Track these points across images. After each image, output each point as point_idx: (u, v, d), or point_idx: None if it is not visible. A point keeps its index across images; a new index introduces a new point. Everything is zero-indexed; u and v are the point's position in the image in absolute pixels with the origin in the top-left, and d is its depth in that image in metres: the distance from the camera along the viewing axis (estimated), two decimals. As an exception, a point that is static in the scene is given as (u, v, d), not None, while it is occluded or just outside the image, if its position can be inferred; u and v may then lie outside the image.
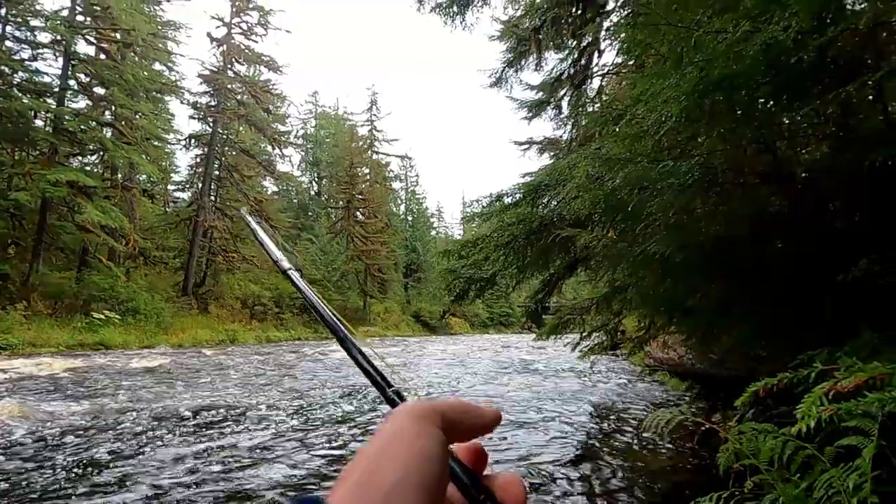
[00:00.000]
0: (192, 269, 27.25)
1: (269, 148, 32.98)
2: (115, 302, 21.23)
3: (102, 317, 19.93)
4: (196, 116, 29.90)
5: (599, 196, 5.14)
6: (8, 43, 21.81)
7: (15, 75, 21.61)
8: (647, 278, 5.61)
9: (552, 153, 14.77)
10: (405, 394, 0.39)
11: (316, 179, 51.09)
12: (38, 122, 22.36)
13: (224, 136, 30.11)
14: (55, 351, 16.18)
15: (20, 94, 21.27)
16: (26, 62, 21.86)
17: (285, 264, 0.57)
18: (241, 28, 30.54)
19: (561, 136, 14.08)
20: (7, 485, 3.85)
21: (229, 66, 30.24)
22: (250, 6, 30.58)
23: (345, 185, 41.91)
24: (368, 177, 44.67)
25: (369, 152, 46.33)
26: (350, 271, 38.80)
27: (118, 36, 22.70)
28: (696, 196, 4.05)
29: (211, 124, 29.56)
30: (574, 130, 13.13)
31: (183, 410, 6.73)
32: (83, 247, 22.09)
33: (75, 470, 4.21)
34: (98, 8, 22.39)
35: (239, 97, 30.28)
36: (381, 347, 20.68)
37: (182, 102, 28.42)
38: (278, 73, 32.04)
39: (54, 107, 21.33)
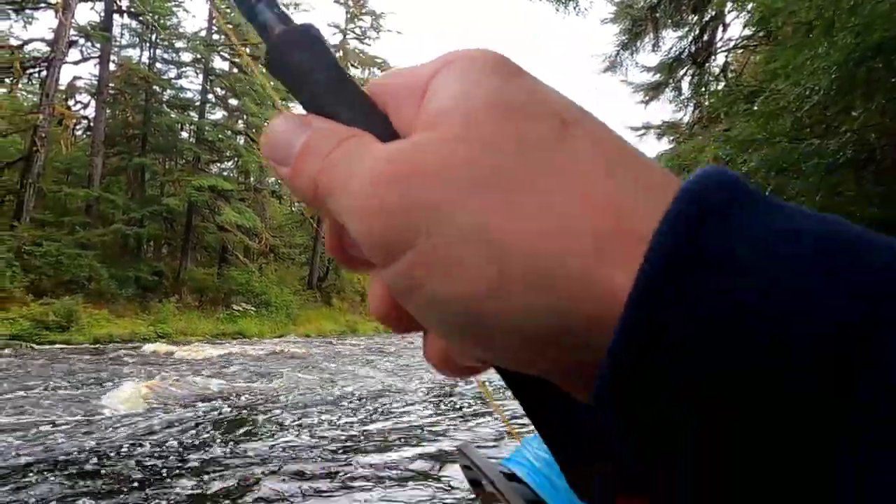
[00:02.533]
0: (315, 265, 29.02)
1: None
2: (251, 295, 23.15)
3: (240, 309, 21.84)
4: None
5: (730, 181, 4.79)
6: (158, 65, 24.52)
7: (164, 93, 24.25)
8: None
9: (672, 137, 13.99)
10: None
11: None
12: (184, 135, 24.93)
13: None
14: (202, 339, 17.98)
15: (169, 110, 23.84)
16: (173, 80, 24.45)
17: None
18: (355, 33, 31.94)
19: (681, 119, 13.28)
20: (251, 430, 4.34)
21: (346, 70, 31.72)
22: (363, 11, 31.86)
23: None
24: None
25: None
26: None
27: (248, 50, 24.64)
28: (847, 177, 3.64)
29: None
30: (696, 112, 12.32)
31: (361, 389, 7.21)
32: (222, 245, 24.31)
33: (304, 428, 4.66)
34: (230, 25, 24.44)
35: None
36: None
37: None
38: (390, 73, 33.06)
39: (196, 119, 23.66)
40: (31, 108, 20.67)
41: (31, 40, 20.57)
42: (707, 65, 10.91)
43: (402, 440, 5.06)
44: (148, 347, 13.80)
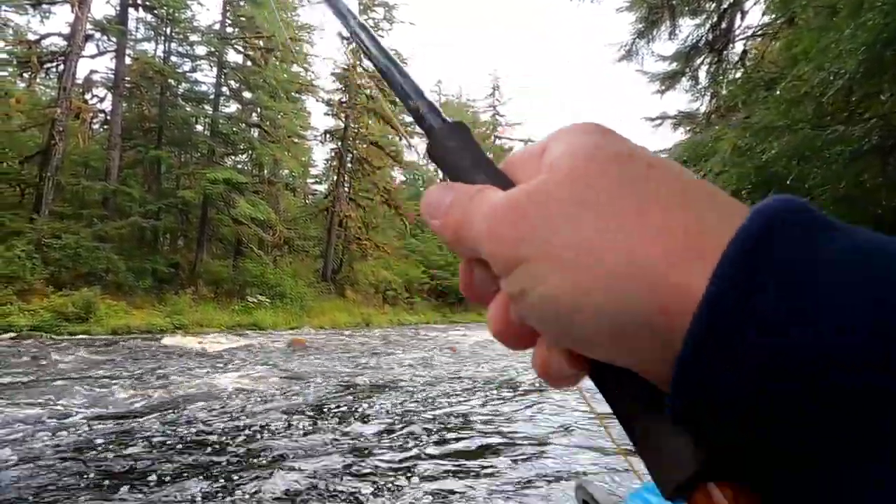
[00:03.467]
0: (329, 257, 29.14)
1: (397, 139, 34.20)
2: (265, 287, 23.31)
3: (255, 300, 22.00)
4: (330, 113, 31.77)
5: (749, 169, 4.68)
6: (173, 58, 24.66)
7: (179, 87, 24.39)
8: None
9: (688, 127, 13.77)
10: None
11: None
12: (199, 128, 25.08)
13: (355, 130, 31.70)
14: (218, 330, 18.14)
15: (183, 104, 23.98)
16: (188, 74, 24.57)
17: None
18: (368, 25, 31.85)
19: (698, 109, 13.08)
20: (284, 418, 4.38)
21: (358, 62, 31.72)
22: (376, 3, 31.76)
23: (469, 172, 42.35)
24: (492, 163, 44.75)
25: (492, 138, 46.39)
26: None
27: (261, 43, 24.69)
28: (872, 164, 3.54)
29: (343, 119, 31.26)
30: (713, 101, 12.12)
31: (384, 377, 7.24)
32: (237, 238, 24.48)
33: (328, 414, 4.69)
34: (243, 18, 24.49)
35: (368, 92, 31.67)
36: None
37: (317, 100, 30.33)
38: (404, 65, 32.93)
39: (211, 112, 23.78)
40: (48, 102, 20.90)
41: (48, 35, 20.75)
42: (725, 53, 10.71)
43: (452, 431, 5.07)
44: (165, 339, 13.97)
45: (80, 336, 14.79)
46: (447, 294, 34.14)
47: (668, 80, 12.14)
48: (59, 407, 5.73)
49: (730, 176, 4.77)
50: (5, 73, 21.65)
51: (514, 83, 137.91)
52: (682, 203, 0.23)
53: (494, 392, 7.36)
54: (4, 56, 20.50)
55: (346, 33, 0.49)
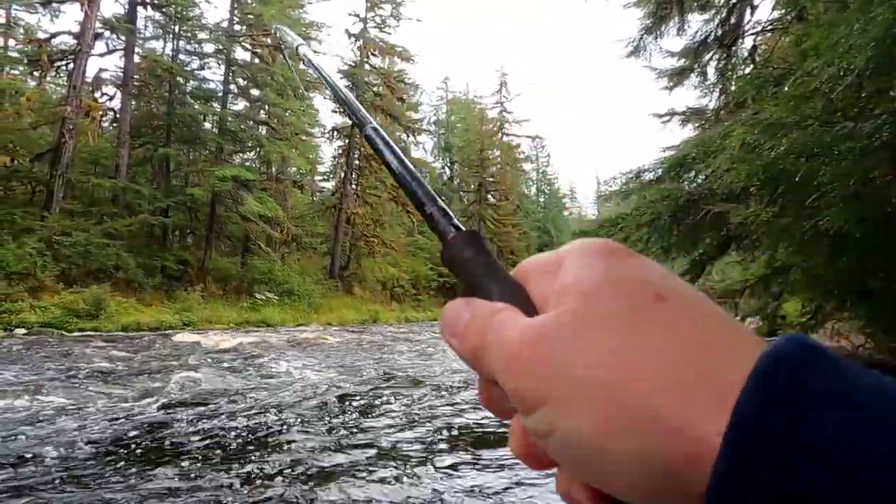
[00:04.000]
0: (337, 254, 29.22)
1: (404, 136, 34.20)
2: (273, 284, 23.42)
3: (263, 297, 22.12)
4: (337, 110, 31.81)
5: (758, 166, 4.65)
6: (181, 56, 24.77)
7: (187, 84, 24.50)
8: (817, 257, 5.01)
9: (697, 124, 13.68)
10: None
11: (448, 164, 52.15)
12: (207, 125, 25.19)
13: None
14: (226, 327, 18.25)
15: (192, 101, 24.09)
16: (196, 71, 24.67)
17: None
18: (375, 22, 31.86)
19: (706, 105, 12.98)
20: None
21: (365, 59, 31.72)
22: (383, 0, 31.74)
23: (476, 169, 42.33)
24: (499, 159, 44.71)
25: (499, 135, 46.31)
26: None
27: (269, 41, 24.74)
28: (881, 161, 3.50)
29: (350, 117, 31.28)
30: (722, 97, 12.02)
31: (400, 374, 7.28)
32: (245, 235, 24.59)
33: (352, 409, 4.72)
34: (251, 16, 24.56)
35: (375, 89, 31.69)
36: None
37: (324, 98, 30.38)
38: (410, 62, 33.01)
39: (219, 110, 23.88)
40: (58, 100, 21.07)
41: (57, 33, 20.90)
42: (734, 48, 10.63)
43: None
44: (174, 335, 14.06)
45: (91, 333, 14.92)
46: (454, 291, 34.14)
47: (677, 77, 12.06)
48: (72, 401, 5.79)
49: (738, 173, 4.74)
50: (16, 72, 21.84)
51: (520, 80, 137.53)
52: (693, 340, 0.23)
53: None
54: (15, 54, 20.68)
55: (360, 132, 0.50)
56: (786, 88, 4.09)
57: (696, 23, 10.98)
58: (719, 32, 10.92)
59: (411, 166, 0.42)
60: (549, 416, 0.25)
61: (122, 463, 3.91)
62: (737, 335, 0.24)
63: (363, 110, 0.51)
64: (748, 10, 10.70)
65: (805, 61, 3.50)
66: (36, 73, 21.24)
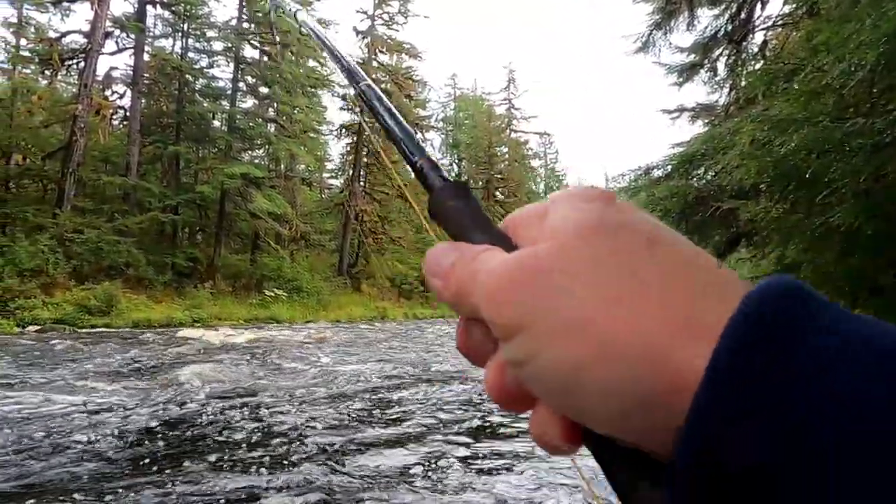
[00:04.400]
0: (345, 251, 29.30)
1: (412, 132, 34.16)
2: (282, 281, 23.53)
3: (272, 294, 22.22)
4: (345, 107, 31.87)
5: (768, 163, 4.62)
6: (190, 54, 24.89)
7: (196, 82, 24.62)
8: (827, 254, 4.97)
9: (706, 120, 13.58)
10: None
11: (456, 161, 52.09)
12: (216, 123, 25.30)
13: (371, 125, 31.76)
14: (237, 324, 18.37)
15: (201, 99, 24.21)
16: (205, 70, 24.78)
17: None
18: (382, 19, 31.85)
19: (716, 101, 12.89)
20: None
21: (373, 56, 31.73)
22: (391, -4, 31.73)
23: (484, 166, 42.30)
24: (507, 156, 44.64)
25: (507, 131, 46.22)
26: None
27: (277, 38, 24.80)
28: (893, 157, 3.47)
29: (358, 114, 31.35)
30: (732, 93, 11.92)
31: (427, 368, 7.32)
32: (254, 232, 24.71)
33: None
34: (259, 14, 24.61)
35: (383, 86, 31.70)
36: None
37: (333, 95, 30.43)
38: (418, 59, 33.01)
39: (228, 108, 23.98)
40: (69, 99, 21.24)
41: (68, 32, 21.06)
42: (744, 44, 10.54)
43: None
44: (184, 332, 14.17)
45: (102, 329, 15.06)
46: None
47: (686, 72, 11.97)
48: (84, 397, 5.86)
49: (748, 169, 4.71)
50: (27, 71, 22.02)
51: (527, 77, 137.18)
52: (683, 281, 0.24)
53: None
54: (26, 53, 20.84)
55: (354, 88, 0.51)
56: (796, 84, 4.06)
57: (706, 18, 10.89)
58: (729, 27, 10.83)
59: (402, 120, 0.44)
60: (530, 342, 0.25)
61: (135, 457, 3.96)
62: (724, 277, 0.24)
63: (360, 70, 0.53)
64: (759, 5, 10.60)
65: (816, 57, 3.47)
66: (47, 72, 21.41)
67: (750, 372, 0.20)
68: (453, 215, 0.34)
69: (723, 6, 10.75)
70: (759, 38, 10.95)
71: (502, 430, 4.99)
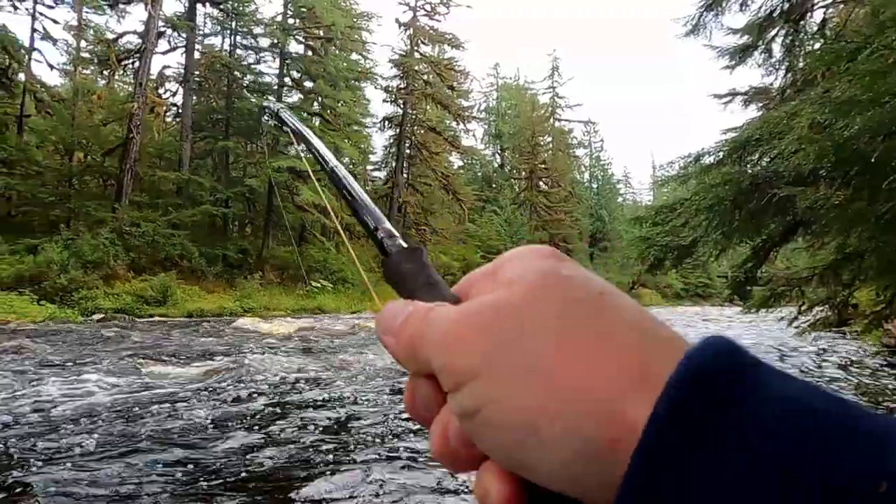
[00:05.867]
0: (389, 242, 29.60)
1: (454, 124, 34.17)
2: (328, 272, 23.98)
3: (318, 285, 22.69)
4: (388, 100, 32.09)
5: (828, 147, 4.42)
6: (238, 51, 25.51)
7: (244, 78, 25.24)
8: (893, 242, 4.73)
9: (760, 104, 13.05)
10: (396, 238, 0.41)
11: (499, 152, 51.81)
12: (263, 118, 25.90)
13: (413, 116, 31.88)
14: (284, 314, 18.84)
15: (249, 95, 24.82)
16: (252, 66, 25.37)
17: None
18: (425, 10, 31.84)
19: (771, 84, 12.37)
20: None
21: (416, 48, 31.79)
22: (433, -13, 31.67)
23: (527, 156, 41.92)
24: (551, 146, 44.09)
25: (551, 120, 45.62)
26: (534, 242, 38.93)
27: (321, 33, 25.15)
28: (969, 139, 3.26)
29: (401, 106, 31.50)
30: (788, 75, 11.41)
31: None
32: (301, 224, 25.25)
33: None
34: (304, 9, 25.00)
35: (425, 77, 31.75)
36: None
37: (376, 88, 30.67)
38: (461, 49, 32.85)
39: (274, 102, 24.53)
40: (126, 97, 22.13)
41: (124, 33, 21.92)
42: (802, 23, 10.06)
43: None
44: (235, 321, 14.64)
45: (158, 318, 15.71)
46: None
47: (739, 55, 11.52)
48: (149, 379, 6.15)
49: (807, 154, 4.51)
50: (87, 72, 23.06)
51: (572, 63, 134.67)
52: (635, 334, 0.24)
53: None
54: (86, 55, 21.81)
55: (325, 168, 0.57)
56: (861, 64, 3.85)
57: (761, -3, 10.44)
58: (786, 6, 10.35)
59: (364, 194, 0.47)
60: (482, 388, 0.25)
61: (190, 438, 4.12)
62: (669, 334, 0.25)
63: (329, 154, 0.59)
64: (818, -18, 10.10)
65: (883, 34, 3.28)
66: (105, 72, 22.37)
67: (687, 424, 0.21)
68: (406, 278, 0.36)
69: (779, -16, 10.28)
70: (818, 16, 10.43)
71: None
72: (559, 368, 0.23)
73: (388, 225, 0.42)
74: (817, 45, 9.54)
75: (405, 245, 0.39)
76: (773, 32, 10.99)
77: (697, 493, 0.20)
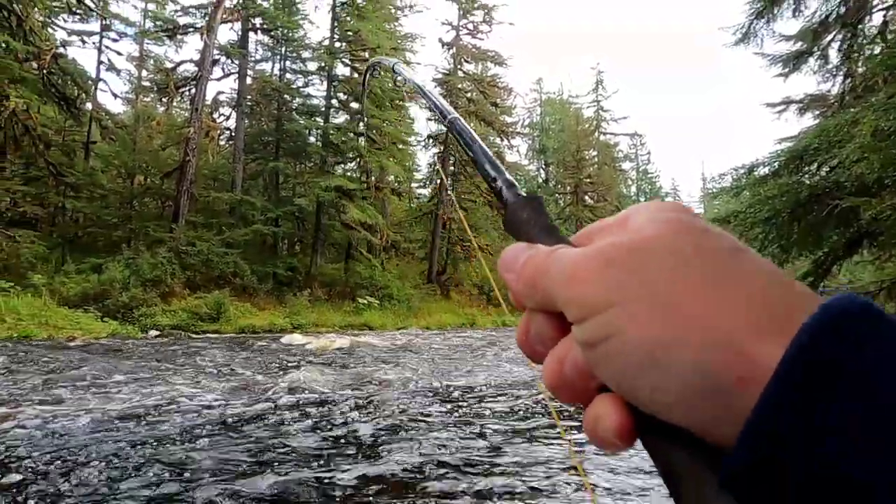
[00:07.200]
0: (434, 259, 29.74)
1: (498, 140, 34.22)
2: (374, 289, 24.24)
3: (365, 302, 22.95)
4: (432, 118, 32.44)
5: (893, 155, 4.21)
6: (287, 75, 26.39)
7: (294, 101, 26.07)
8: (970, 254, 4.43)
9: (817, 112, 12.58)
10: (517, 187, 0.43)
11: (543, 167, 51.51)
12: (311, 139, 26.65)
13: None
14: (332, 330, 19.12)
15: (297, 117, 25.61)
16: (301, 89, 26.18)
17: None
18: (467, 29, 32.18)
19: (829, 91, 11.91)
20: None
21: (459, 66, 32.13)
22: (475, 6, 32.00)
23: (572, 170, 41.49)
24: (596, 160, 43.53)
25: (596, 134, 45.10)
26: (580, 257, 38.30)
27: (366, 55, 25.74)
28: None
29: (446, 134, 31.81)
30: (847, 81, 10.96)
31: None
32: (348, 241, 25.69)
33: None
34: (350, 33, 25.69)
35: (469, 95, 31.99)
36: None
37: (420, 107, 31.08)
38: (503, 66, 33.01)
39: (322, 124, 25.18)
40: (183, 122, 23.19)
41: (181, 62, 23.04)
42: (861, 26, 9.67)
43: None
44: (285, 337, 14.94)
45: (212, 335, 16.21)
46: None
47: (793, 61, 11.16)
48: (205, 392, 6.34)
49: (870, 163, 4.31)
50: (147, 99, 24.29)
51: (617, 75, 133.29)
52: (768, 285, 0.25)
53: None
54: (147, 84, 23.01)
55: (444, 122, 0.60)
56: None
57: (815, 1, 10.11)
58: (842, 10, 9.99)
59: (484, 146, 0.49)
60: (613, 319, 0.26)
61: (239, 451, 4.21)
62: (802, 288, 0.25)
63: (447, 105, 0.62)
64: (877, -17, 9.70)
65: (952, 35, 3.12)
66: (164, 99, 23.53)
67: (821, 368, 0.21)
68: (525, 224, 0.37)
69: (834, -12, 9.93)
70: (877, 19, 10.01)
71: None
72: (691, 304, 0.24)
73: (507, 176, 0.43)
74: (877, 49, 9.14)
75: (524, 195, 0.40)
76: (829, 37, 10.61)
77: (823, 436, 0.20)
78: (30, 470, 3.75)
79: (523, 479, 3.78)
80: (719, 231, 0.27)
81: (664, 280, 0.25)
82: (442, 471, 3.92)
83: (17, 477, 3.60)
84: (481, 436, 4.90)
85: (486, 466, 4.04)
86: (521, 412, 5.95)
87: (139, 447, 4.32)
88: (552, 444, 4.68)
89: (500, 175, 0.44)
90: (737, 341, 0.23)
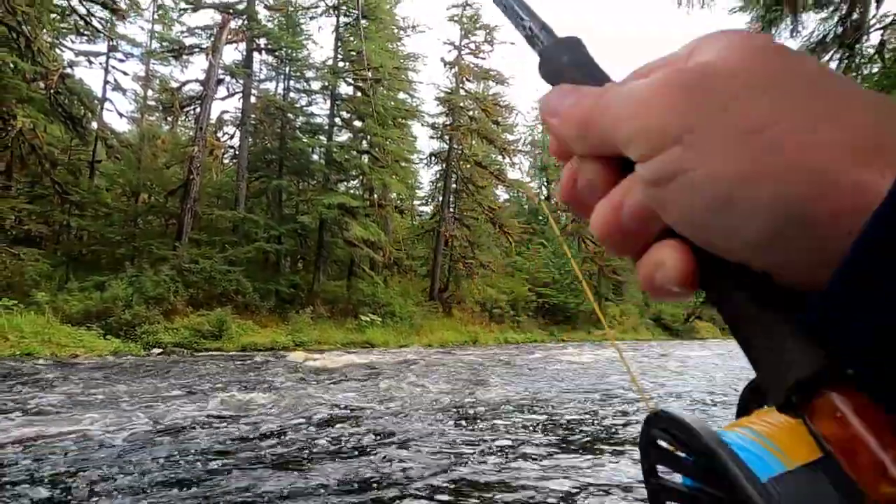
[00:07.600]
0: (436, 276, 29.74)
1: (500, 157, 34.41)
2: (377, 306, 24.23)
3: (368, 319, 22.93)
4: (434, 136, 32.72)
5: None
6: (291, 94, 26.70)
7: (297, 120, 26.33)
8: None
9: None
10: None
11: (545, 184, 51.68)
12: (314, 157, 26.85)
13: (459, 151, 32.34)
14: (334, 348, 19.09)
15: (301, 135, 25.84)
16: (304, 108, 26.45)
17: None
18: (469, 48, 32.56)
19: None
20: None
21: (461, 85, 32.44)
22: (477, 26, 32.41)
23: (574, 188, 41.57)
24: (597, 176, 43.66)
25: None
26: (583, 273, 38.27)
27: (370, 74, 26.05)
28: None
29: (447, 141, 32.04)
30: (846, 99, 11.05)
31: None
32: (350, 259, 25.74)
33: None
34: (353, 53, 26.01)
35: (471, 113, 32.26)
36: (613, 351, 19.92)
37: (422, 125, 31.37)
38: (505, 84, 33.33)
39: (325, 142, 25.39)
40: (187, 141, 23.40)
41: (187, 82, 23.32)
42: (858, 46, 9.78)
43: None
44: (287, 355, 14.92)
45: (215, 352, 16.18)
46: (554, 312, 33.53)
47: (792, 81, 11.27)
48: (206, 409, 6.33)
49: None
50: (152, 118, 24.55)
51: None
52: (870, 109, 0.21)
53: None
54: (152, 103, 23.28)
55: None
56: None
57: (813, 22, 10.25)
58: (839, 30, 10.11)
59: None
60: (681, 152, 0.23)
61: (241, 467, 4.20)
62: None
63: None
64: (873, 4, 9.84)
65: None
66: (169, 118, 23.77)
67: None
68: (566, 69, 0.32)
69: (832, 8, 10.08)
70: (874, 39, 10.14)
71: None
72: (779, 133, 0.21)
73: (541, 18, 0.38)
74: (875, 69, 9.23)
75: (558, 37, 0.35)
76: (826, 57, 10.72)
77: None
78: (25, 485, 3.75)
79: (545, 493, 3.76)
80: (805, 55, 0.24)
81: (744, 107, 0.22)
82: (470, 490, 3.91)
83: (13, 491, 3.60)
84: (497, 453, 4.88)
85: (519, 482, 4.02)
86: (536, 427, 5.92)
87: (138, 465, 4.31)
88: (572, 460, 4.66)
89: (531, 17, 0.38)
90: (831, 173, 0.20)
